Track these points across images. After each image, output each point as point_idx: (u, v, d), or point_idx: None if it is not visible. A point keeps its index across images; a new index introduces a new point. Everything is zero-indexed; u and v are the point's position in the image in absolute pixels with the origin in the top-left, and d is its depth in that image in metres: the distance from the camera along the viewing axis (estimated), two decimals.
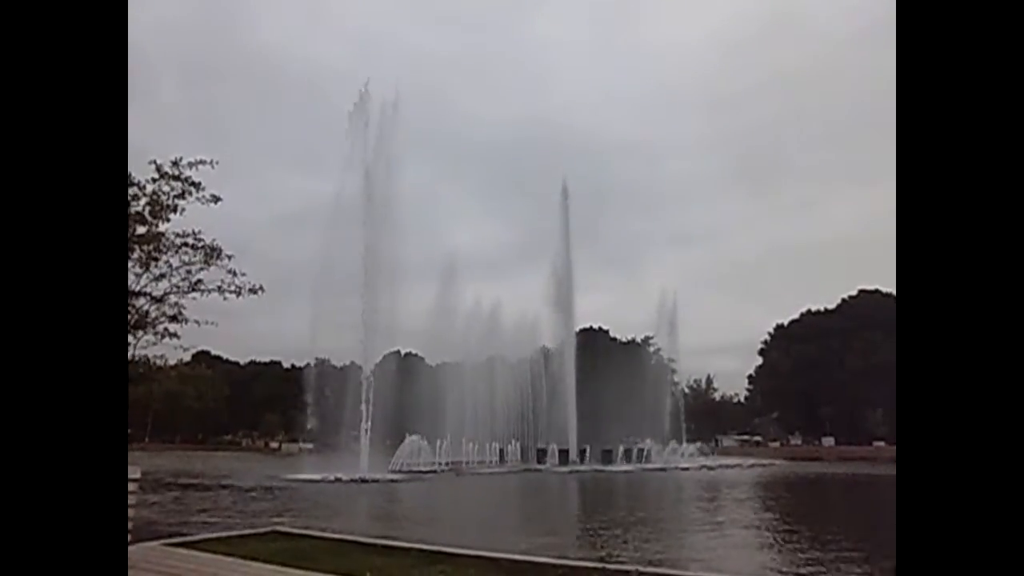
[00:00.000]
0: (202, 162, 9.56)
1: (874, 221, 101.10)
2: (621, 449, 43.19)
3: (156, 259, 9.62)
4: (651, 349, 69.73)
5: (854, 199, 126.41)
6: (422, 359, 49.33)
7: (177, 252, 9.80)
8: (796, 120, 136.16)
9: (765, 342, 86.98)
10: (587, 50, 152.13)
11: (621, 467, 39.12)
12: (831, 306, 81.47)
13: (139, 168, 9.38)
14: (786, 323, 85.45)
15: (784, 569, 8.58)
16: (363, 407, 29.12)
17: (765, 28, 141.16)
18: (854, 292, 78.92)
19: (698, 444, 51.17)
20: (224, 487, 22.04)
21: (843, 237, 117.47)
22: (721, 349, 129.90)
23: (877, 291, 73.43)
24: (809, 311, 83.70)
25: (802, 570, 8.48)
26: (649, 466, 39.85)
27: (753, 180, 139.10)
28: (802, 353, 77.51)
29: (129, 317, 9.65)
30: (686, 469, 37.49)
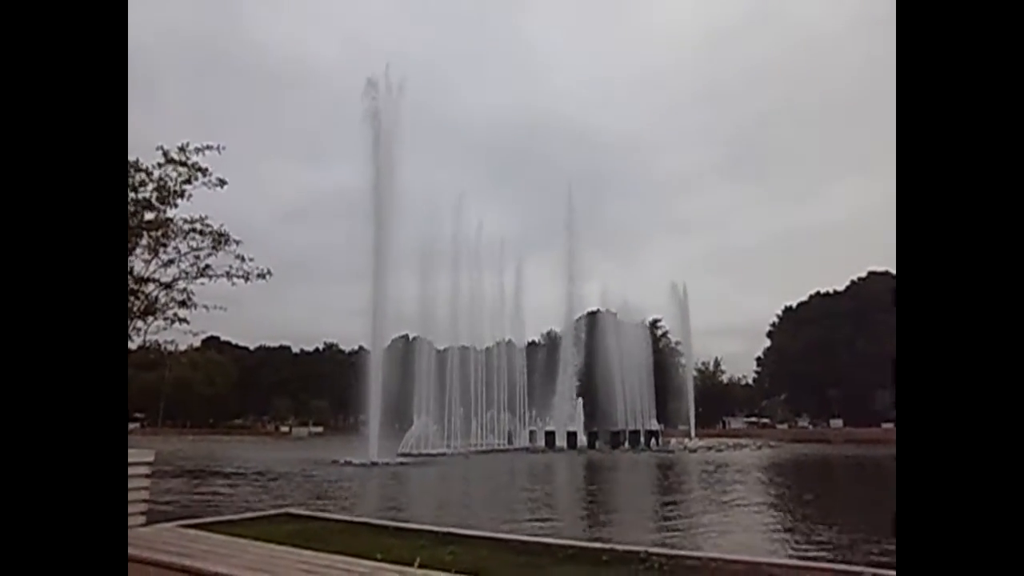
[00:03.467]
0: (209, 147, 9.55)
1: (870, 207, 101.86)
2: (628, 432, 43.42)
3: (164, 245, 9.65)
4: (659, 332, 69.82)
5: (850, 186, 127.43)
6: (430, 343, 49.50)
7: (185, 238, 9.83)
8: (788, 109, 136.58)
9: (773, 324, 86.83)
10: (580, 43, 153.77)
11: (630, 449, 39.36)
12: (840, 288, 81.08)
13: (145, 157, 9.39)
14: (794, 305, 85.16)
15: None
16: (371, 391, 29.29)
17: (752, 19, 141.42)
18: (863, 274, 78.46)
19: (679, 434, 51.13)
20: (234, 470, 22.32)
21: (839, 223, 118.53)
22: (723, 332, 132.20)
23: (887, 273, 72.91)
24: (818, 293, 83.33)
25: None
26: (657, 448, 40.07)
27: (749, 168, 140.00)
28: (811, 335, 77.33)
29: (139, 303, 9.72)
30: (694, 451, 37.65)
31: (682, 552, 5.52)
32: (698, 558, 5.02)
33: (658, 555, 4.97)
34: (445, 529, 6.22)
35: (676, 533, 9.96)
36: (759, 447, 42.00)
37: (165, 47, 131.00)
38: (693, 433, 57.98)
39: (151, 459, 5.94)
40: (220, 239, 9.88)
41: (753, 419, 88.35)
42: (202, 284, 10.19)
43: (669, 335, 71.51)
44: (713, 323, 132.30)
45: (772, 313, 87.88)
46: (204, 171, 9.52)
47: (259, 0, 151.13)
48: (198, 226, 9.75)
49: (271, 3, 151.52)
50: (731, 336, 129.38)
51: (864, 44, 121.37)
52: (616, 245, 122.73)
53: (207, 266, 10.06)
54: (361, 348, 33.85)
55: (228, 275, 10.16)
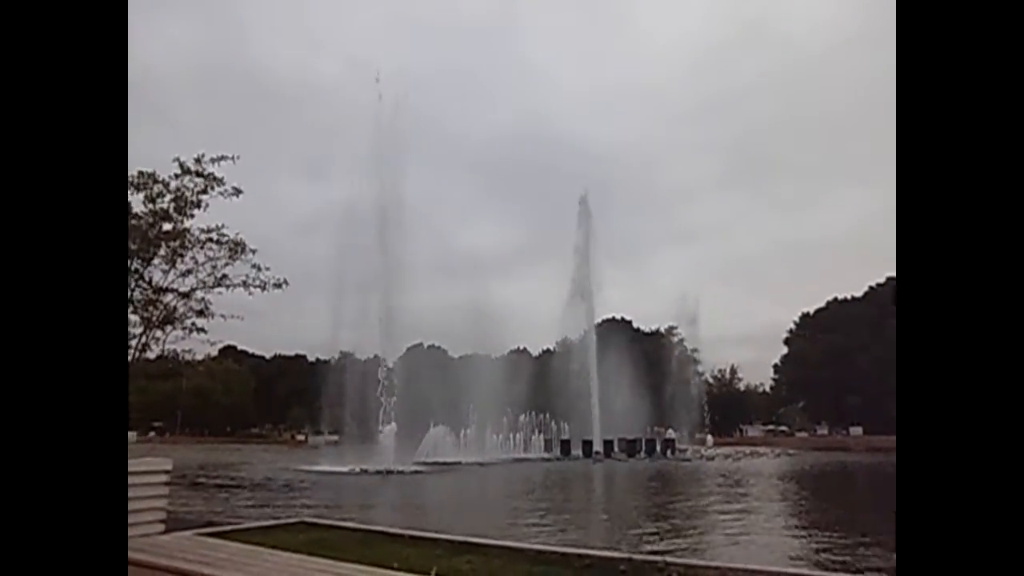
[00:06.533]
0: (224, 157, 9.69)
1: (874, 215, 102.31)
2: (645, 440, 43.10)
3: (182, 255, 9.79)
4: (674, 340, 69.43)
5: (853, 194, 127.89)
6: (445, 351, 49.58)
7: (202, 248, 9.96)
8: (788, 120, 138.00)
9: (790, 331, 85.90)
10: (578, 57, 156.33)
11: (646, 457, 39.05)
12: (858, 294, 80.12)
13: (161, 174, 9.55)
14: (812, 312, 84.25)
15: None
16: (387, 400, 29.38)
17: (750, 33, 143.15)
18: (881, 279, 77.48)
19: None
20: (254, 478, 22.43)
21: (843, 231, 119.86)
22: (737, 340, 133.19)
23: None
24: (835, 299, 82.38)
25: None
26: (674, 457, 39.74)
27: (751, 179, 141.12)
28: (829, 342, 76.40)
29: (158, 313, 9.83)
30: (711, 459, 37.26)
31: (701, 562, 5.44)
32: (717, 568, 4.95)
33: (676, 565, 4.90)
34: (461, 538, 6.18)
35: (700, 543, 9.84)
36: (777, 455, 41.48)
37: (174, 70, 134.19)
38: (710, 441, 57.43)
39: (169, 467, 5.97)
40: (237, 248, 10.00)
41: (771, 427, 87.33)
42: (219, 293, 10.32)
43: (685, 343, 71.04)
44: (727, 331, 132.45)
45: (787, 320, 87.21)
46: (220, 180, 9.66)
47: (264, 25, 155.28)
48: (215, 235, 9.88)
49: (275, 27, 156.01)
50: (746, 344, 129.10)
51: (861, 58, 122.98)
52: (623, 256, 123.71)
53: (224, 276, 10.20)
54: (376, 357, 33.98)
55: (245, 284, 10.28)
